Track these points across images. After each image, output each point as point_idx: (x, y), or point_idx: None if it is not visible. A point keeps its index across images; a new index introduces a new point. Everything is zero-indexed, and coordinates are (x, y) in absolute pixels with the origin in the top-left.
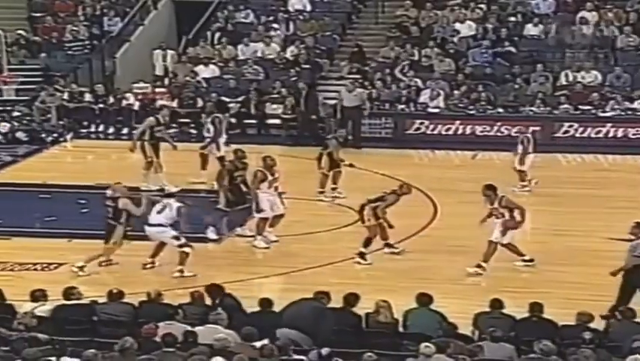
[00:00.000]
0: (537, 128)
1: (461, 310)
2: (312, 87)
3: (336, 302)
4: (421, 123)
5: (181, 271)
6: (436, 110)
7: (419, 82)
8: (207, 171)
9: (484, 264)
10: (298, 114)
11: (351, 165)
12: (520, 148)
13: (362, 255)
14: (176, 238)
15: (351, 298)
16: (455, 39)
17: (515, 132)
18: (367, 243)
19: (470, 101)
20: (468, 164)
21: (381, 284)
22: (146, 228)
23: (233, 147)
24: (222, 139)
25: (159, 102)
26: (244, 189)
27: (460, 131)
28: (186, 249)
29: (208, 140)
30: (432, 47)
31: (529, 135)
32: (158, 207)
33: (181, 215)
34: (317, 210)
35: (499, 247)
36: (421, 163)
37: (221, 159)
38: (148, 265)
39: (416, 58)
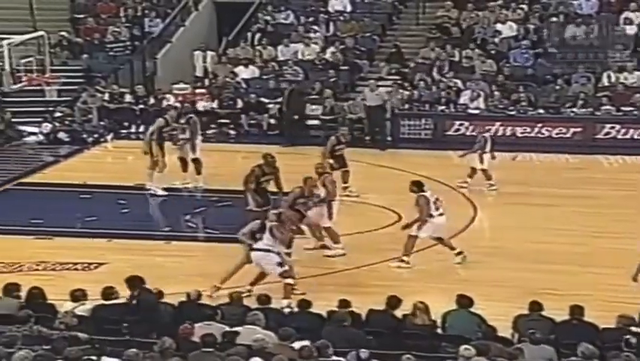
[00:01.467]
0: (579, 129)
1: (500, 313)
2: (296, 89)
3: (374, 304)
4: (461, 124)
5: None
6: (476, 112)
7: (459, 83)
8: (189, 172)
9: (405, 258)
10: (281, 114)
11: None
12: (476, 147)
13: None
14: (280, 264)
15: (394, 301)
16: (496, 40)
17: (475, 132)
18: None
19: (511, 102)
20: (508, 166)
21: (418, 286)
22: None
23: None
24: (198, 140)
25: (200, 103)
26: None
27: (500, 133)
28: (289, 280)
29: (182, 141)
30: (472, 48)
31: (486, 135)
32: (255, 227)
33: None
34: (356, 210)
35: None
36: (460, 165)
37: (195, 160)
38: (245, 294)
39: (457, 59)
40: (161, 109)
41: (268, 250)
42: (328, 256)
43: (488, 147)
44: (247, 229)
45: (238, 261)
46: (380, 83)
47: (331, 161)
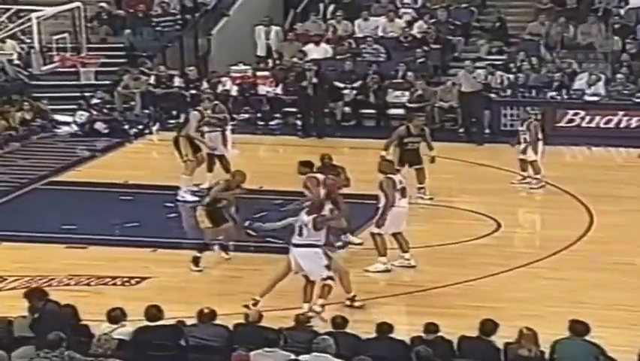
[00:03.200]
0: None
1: (624, 342)
2: (322, 73)
3: (467, 328)
4: (576, 114)
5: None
6: (595, 98)
7: (574, 64)
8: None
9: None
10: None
11: (432, 160)
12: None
13: (196, 261)
14: (328, 267)
15: (489, 327)
16: (622, 11)
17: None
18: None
19: (637, 88)
20: (633, 164)
21: (523, 308)
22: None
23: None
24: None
25: (261, 88)
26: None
27: (623, 124)
28: (330, 282)
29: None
30: (592, 22)
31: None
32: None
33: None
34: (447, 217)
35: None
36: (574, 162)
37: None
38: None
39: (572, 35)
40: (216, 95)
41: (313, 245)
42: (368, 271)
43: (541, 134)
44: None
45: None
46: (478, 64)
47: (389, 156)
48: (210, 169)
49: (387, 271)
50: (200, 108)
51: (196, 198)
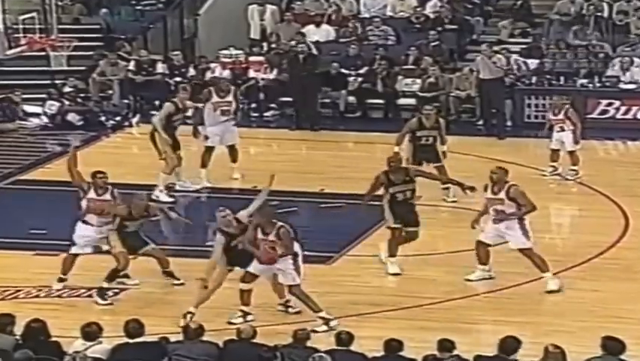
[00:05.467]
0: None
1: None
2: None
3: (487, 346)
4: (609, 104)
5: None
6: (631, 87)
7: (608, 48)
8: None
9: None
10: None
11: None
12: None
13: (101, 292)
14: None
15: (510, 344)
16: None
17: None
18: (112, 276)
19: None
20: None
21: (550, 323)
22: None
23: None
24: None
25: (255, 74)
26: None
27: None
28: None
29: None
30: (629, 0)
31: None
32: None
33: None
34: (464, 220)
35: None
36: (607, 158)
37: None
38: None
39: (605, 14)
40: (204, 83)
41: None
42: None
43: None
44: None
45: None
46: (499, 48)
47: (401, 153)
48: (204, 164)
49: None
50: (175, 99)
51: (171, 199)
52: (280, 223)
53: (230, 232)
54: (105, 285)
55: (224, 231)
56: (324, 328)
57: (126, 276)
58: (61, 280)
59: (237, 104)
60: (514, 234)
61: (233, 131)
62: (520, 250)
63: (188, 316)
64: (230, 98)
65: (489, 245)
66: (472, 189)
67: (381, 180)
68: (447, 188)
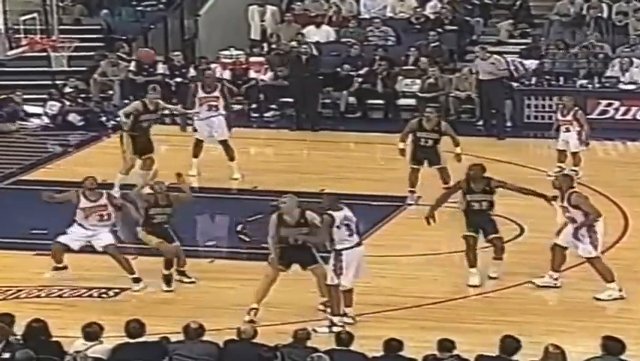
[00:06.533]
0: None
1: None
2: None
3: (487, 346)
4: (609, 105)
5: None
6: (631, 87)
7: (607, 48)
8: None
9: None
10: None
11: (458, 159)
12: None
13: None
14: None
15: (510, 344)
16: None
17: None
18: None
19: None
20: None
21: (550, 323)
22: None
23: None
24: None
25: (253, 75)
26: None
27: None
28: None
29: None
30: (628, 0)
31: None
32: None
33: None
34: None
35: None
36: (607, 159)
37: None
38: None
39: (605, 15)
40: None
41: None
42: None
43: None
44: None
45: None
46: (498, 48)
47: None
48: (196, 155)
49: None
50: (145, 100)
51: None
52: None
53: (287, 220)
54: (165, 272)
55: (281, 215)
56: (326, 330)
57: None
58: (56, 268)
59: (226, 100)
60: (582, 242)
61: (221, 126)
62: (587, 259)
63: (252, 312)
64: (216, 93)
65: (565, 248)
66: (555, 198)
67: (461, 186)
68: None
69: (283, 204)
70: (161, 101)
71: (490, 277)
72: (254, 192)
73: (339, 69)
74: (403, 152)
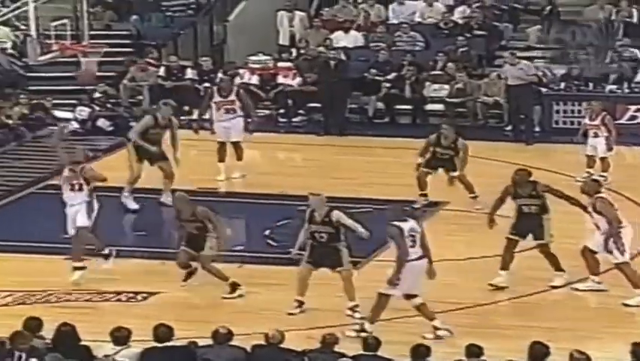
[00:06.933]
0: None
1: None
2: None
3: (515, 351)
4: (638, 110)
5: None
6: None
7: (637, 53)
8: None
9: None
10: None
11: (450, 182)
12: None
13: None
14: None
15: (539, 350)
16: None
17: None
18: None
19: None
20: None
21: (579, 328)
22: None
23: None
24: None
25: (282, 80)
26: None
27: None
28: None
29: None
30: None
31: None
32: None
33: None
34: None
35: None
36: (636, 164)
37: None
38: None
39: (635, 20)
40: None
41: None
42: (629, 306)
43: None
44: None
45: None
46: (527, 53)
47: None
48: (221, 159)
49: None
50: (158, 115)
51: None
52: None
53: (316, 216)
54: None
55: (313, 212)
56: (354, 333)
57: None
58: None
59: (244, 103)
60: (612, 251)
61: (237, 129)
62: (616, 265)
63: (296, 303)
64: (232, 97)
65: (595, 252)
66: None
67: (509, 191)
68: (475, 197)
69: (312, 200)
70: (174, 119)
71: (574, 289)
72: (282, 197)
73: (366, 74)
74: (419, 166)
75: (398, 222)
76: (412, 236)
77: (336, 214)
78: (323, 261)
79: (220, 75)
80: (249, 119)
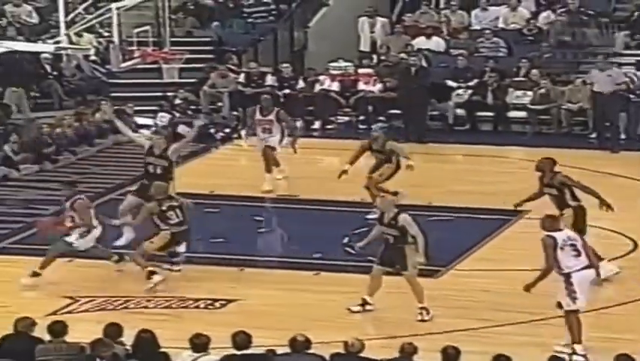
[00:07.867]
0: None
1: None
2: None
3: None
4: None
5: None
6: None
7: None
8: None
9: None
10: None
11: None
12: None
13: None
14: None
15: None
16: None
17: None
18: None
19: None
20: None
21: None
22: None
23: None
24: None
25: (362, 87)
26: None
27: None
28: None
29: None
30: None
31: None
32: None
33: None
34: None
35: None
36: None
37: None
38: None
39: None
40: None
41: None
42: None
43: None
44: None
45: None
46: (614, 60)
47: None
48: (268, 170)
49: None
50: (152, 142)
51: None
52: None
53: (383, 218)
54: None
55: (382, 214)
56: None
57: None
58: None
59: (285, 123)
60: None
61: (274, 142)
62: None
63: (361, 301)
64: (271, 117)
65: None
66: (609, 207)
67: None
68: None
69: (381, 203)
70: (173, 145)
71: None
72: (360, 205)
73: (446, 81)
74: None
75: (552, 232)
76: (573, 245)
77: (403, 218)
78: (391, 262)
79: (301, 82)
80: (291, 138)
